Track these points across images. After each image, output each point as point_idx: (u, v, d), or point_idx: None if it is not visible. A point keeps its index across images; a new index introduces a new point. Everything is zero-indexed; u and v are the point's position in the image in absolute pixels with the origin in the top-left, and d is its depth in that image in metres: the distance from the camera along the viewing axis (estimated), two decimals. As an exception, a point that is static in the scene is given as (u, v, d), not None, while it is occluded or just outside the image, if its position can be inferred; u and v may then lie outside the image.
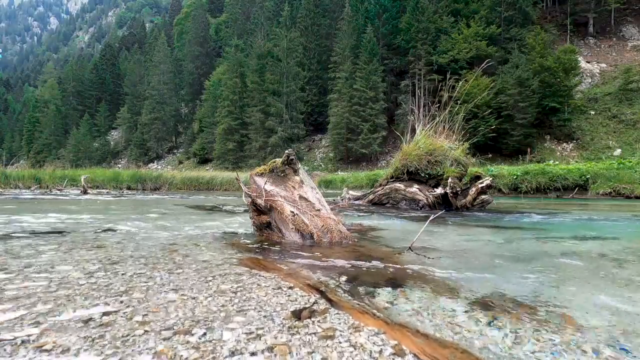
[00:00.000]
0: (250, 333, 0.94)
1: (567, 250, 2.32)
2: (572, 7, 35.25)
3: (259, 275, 1.52)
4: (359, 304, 1.19)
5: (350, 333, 0.95)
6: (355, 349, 0.87)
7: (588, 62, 32.39)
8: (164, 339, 0.89)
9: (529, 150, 26.09)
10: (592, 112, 28.28)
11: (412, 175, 5.70)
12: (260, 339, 0.90)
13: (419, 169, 5.54)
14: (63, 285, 1.32)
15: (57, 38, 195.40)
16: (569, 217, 4.66)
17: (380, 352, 0.86)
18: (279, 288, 1.34)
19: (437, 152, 5.50)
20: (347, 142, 33.41)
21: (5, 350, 0.82)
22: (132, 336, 0.90)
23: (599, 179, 11.85)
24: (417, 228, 2.79)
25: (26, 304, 1.11)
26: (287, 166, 2.69)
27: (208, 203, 7.05)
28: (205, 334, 0.92)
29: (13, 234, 2.62)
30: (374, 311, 1.13)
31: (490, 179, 5.56)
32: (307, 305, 1.15)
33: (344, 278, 1.50)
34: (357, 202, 6.41)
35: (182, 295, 1.23)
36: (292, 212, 2.41)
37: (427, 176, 5.54)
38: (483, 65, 6.38)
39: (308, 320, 1.04)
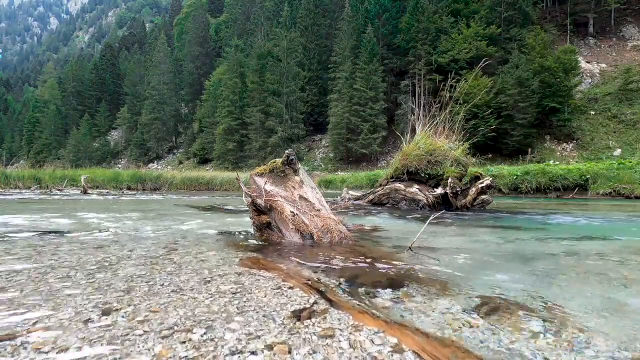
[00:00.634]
0: (250, 333, 0.94)
1: (567, 250, 2.32)
2: (572, 7, 35.26)
3: (259, 275, 1.52)
4: (359, 304, 1.19)
5: (350, 333, 0.95)
6: (355, 348, 0.87)
7: (588, 62, 32.40)
8: (164, 339, 0.89)
9: (529, 150, 26.10)
10: (592, 112, 28.28)
11: (412, 176, 5.70)
12: (260, 339, 0.90)
13: (419, 169, 5.54)
14: (63, 285, 1.32)
15: (57, 38, 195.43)
16: (569, 217, 4.66)
17: (380, 351, 0.86)
18: (279, 288, 1.34)
19: (437, 152, 5.50)
20: (347, 142, 33.42)
21: (5, 350, 0.82)
22: (132, 336, 0.90)
23: (599, 179, 11.85)
24: (417, 228, 2.80)
25: (27, 304, 1.11)
26: (287, 166, 2.69)
27: (208, 203, 7.05)
28: (205, 333, 0.93)
29: (13, 234, 2.62)
30: (374, 311, 1.13)
31: (490, 179, 5.56)
32: (307, 306, 1.15)
33: (343, 278, 1.50)
34: (357, 202, 6.41)
35: (182, 295, 1.23)
36: (292, 212, 2.41)
37: (427, 176, 5.54)
38: (481, 64, 6.37)
39: (308, 320, 1.04)
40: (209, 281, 1.41)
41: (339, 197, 6.98)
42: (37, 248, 2.08)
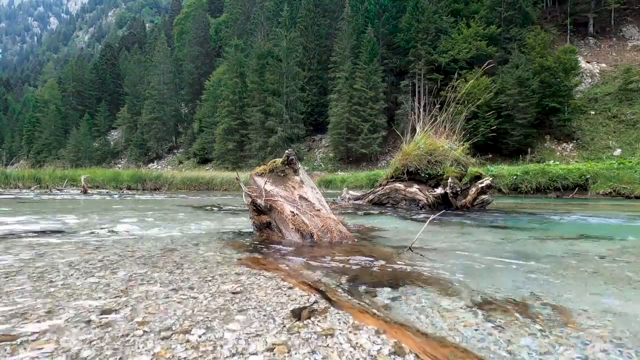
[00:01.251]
0: (250, 333, 0.93)
1: (567, 250, 2.32)
2: (572, 7, 35.25)
3: (259, 275, 1.52)
4: (359, 304, 1.19)
5: (350, 332, 0.95)
6: (355, 348, 0.87)
7: (588, 62, 32.40)
8: (163, 339, 0.89)
9: (529, 150, 26.10)
10: (592, 112, 28.28)
11: (412, 175, 5.70)
12: (260, 339, 0.90)
13: (419, 169, 5.54)
14: (64, 285, 1.32)
15: (57, 38, 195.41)
16: (568, 217, 4.65)
17: (380, 351, 0.86)
18: (279, 288, 1.34)
19: (437, 152, 5.50)
20: (347, 142, 33.42)
21: (4, 350, 0.82)
22: (132, 336, 0.90)
23: (599, 179, 11.85)
24: (417, 228, 2.79)
25: (27, 303, 1.11)
26: (287, 166, 2.69)
27: (208, 203, 7.05)
28: (205, 333, 0.92)
29: (11, 234, 2.62)
30: (374, 310, 1.13)
31: (490, 179, 5.55)
32: (307, 305, 1.15)
33: (344, 278, 1.50)
34: (357, 202, 6.41)
35: (182, 295, 1.23)
36: (292, 212, 2.41)
37: (427, 176, 5.54)
38: (484, 66, 6.36)
39: (308, 319, 1.03)
40: (209, 281, 1.41)
41: (339, 197, 6.98)
42: (38, 248, 2.07)
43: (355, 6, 38.63)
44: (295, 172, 2.70)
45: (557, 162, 18.86)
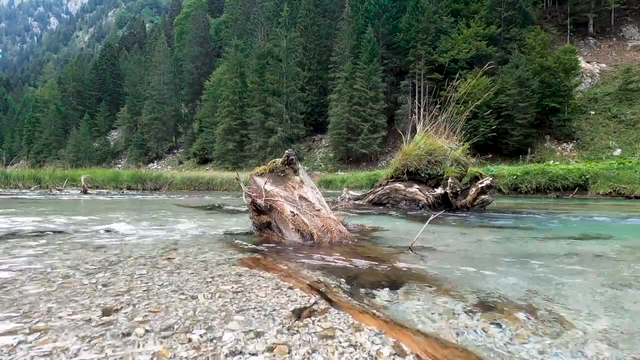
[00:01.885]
0: (251, 333, 0.94)
1: (567, 250, 2.32)
2: (572, 7, 35.23)
3: (259, 275, 1.52)
4: (359, 304, 1.19)
5: (350, 333, 0.95)
6: (355, 348, 0.87)
7: (588, 62, 32.38)
8: (164, 338, 0.89)
9: (529, 150, 26.09)
10: (592, 112, 28.27)
11: (412, 176, 5.70)
12: (260, 339, 0.90)
13: (419, 169, 5.54)
14: (64, 285, 1.32)
15: (57, 38, 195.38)
16: (569, 217, 4.66)
17: (380, 351, 0.86)
18: (279, 288, 1.34)
19: (437, 152, 5.50)
20: (347, 142, 33.41)
21: (2, 350, 0.82)
22: (133, 336, 0.90)
23: (599, 179, 11.85)
24: (417, 228, 2.80)
25: (28, 304, 1.11)
26: (287, 166, 2.69)
27: (208, 203, 7.05)
28: (205, 333, 0.92)
29: (11, 234, 2.62)
30: (374, 311, 1.13)
31: (490, 179, 5.55)
32: (307, 305, 1.15)
33: (343, 278, 1.50)
34: (357, 202, 6.41)
35: (182, 295, 1.23)
36: (292, 212, 2.41)
37: (427, 176, 5.54)
38: (485, 67, 6.36)
39: (308, 320, 1.04)
40: (209, 281, 1.41)
41: (339, 197, 6.98)
42: (38, 249, 2.08)
43: (355, 6, 38.61)
44: (295, 172, 2.70)
45: (557, 162, 18.87)
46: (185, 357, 0.81)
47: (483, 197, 5.64)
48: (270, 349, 0.85)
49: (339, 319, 1.05)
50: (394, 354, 0.85)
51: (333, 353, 0.85)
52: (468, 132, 6.14)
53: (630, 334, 0.99)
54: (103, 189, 14.23)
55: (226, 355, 0.82)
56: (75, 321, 0.99)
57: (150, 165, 47.59)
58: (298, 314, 1.08)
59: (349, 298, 1.25)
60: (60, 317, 1.01)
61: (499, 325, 1.04)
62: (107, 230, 2.90)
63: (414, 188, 5.58)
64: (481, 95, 14.15)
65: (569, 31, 35.02)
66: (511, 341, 0.94)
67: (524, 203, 8.23)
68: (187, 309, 1.09)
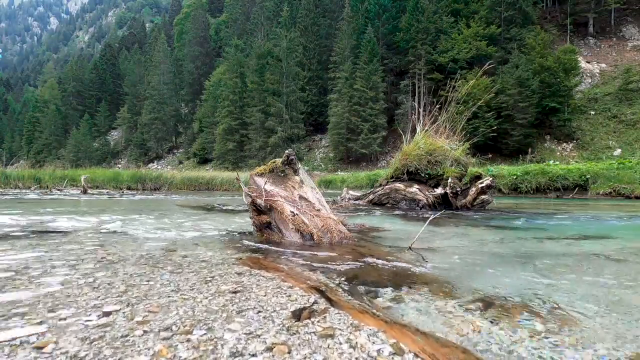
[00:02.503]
0: (250, 333, 0.94)
1: (567, 250, 2.32)
2: (572, 7, 35.24)
3: (259, 275, 1.52)
4: (359, 304, 1.19)
5: (350, 333, 0.95)
6: (355, 348, 0.87)
7: (588, 62, 32.39)
8: (164, 339, 0.89)
9: (529, 150, 26.10)
10: (592, 112, 28.28)
11: (412, 176, 5.70)
12: (260, 339, 0.90)
13: (419, 169, 5.54)
14: (64, 285, 1.32)
15: (57, 38, 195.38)
16: (568, 217, 4.66)
17: (380, 351, 0.86)
18: (279, 288, 1.34)
19: (437, 152, 5.51)
20: (347, 142, 33.42)
21: (3, 351, 0.82)
22: (132, 336, 0.90)
23: (599, 179, 11.85)
24: (417, 228, 2.80)
25: (27, 303, 1.11)
26: (287, 166, 2.69)
27: (208, 203, 7.05)
28: (205, 333, 0.92)
29: (12, 234, 2.62)
30: (374, 311, 1.13)
31: (491, 179, 5.55)
32: (307, 305, 1.15)
33: (343, 278, 1.50)
34: (357, 202, 6.41)
35: (182, 295, 1.23)
36: (292, 212, 2.41)
37: (427, 176, 5.54)
38: (485, 66, 6.36)
39: (308, 320, 1.04)
40: (209, 281, 1.41)
41: (339, 197, 6.98)
42: (38, 249, 2.07)
43: (355, 6, 38.62)
44: (295, 172, 2.70)
45: (557, 162, 18.85)
46: (186, 357, 0.81)
47: (483, 197, 5.64)
48: (270, 349, 0.85)
49: (339, 318, 1.05)
50: (394, 354, 0.85)
51: (333, 353, 0.85)
52: (468, 132, 6.15)
53: (633, 334, 0.99)
54: (103, 189, 14.23)
55: (226, 356, 0.82)
56: (74, 321, 0.98)
57: (150, 165, 47.59)
58: (298, 313, 1.08)
59: (349, 298, 1.25)
60: (59, 316, 1.01)
61: (499, 324, 1.04)
62: (107, 230, 2.90)
63: (414, 188, 5.58)
64: (481, 95, 14.17)
65: (569, 31, 35.02)
66: (511, 341, 0.94)
67: (524, 203, 8.23)
68: (188, 309, 1.09)
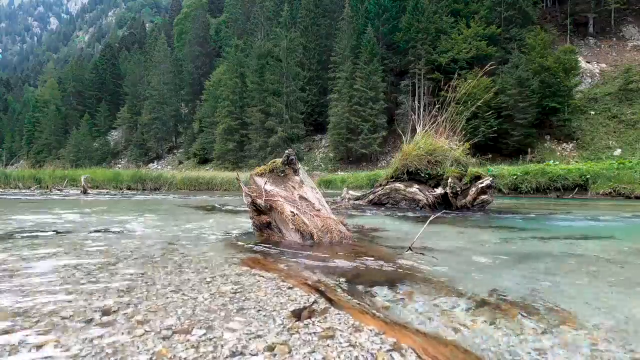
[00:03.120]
0: (251, 333, 0.94)
1: (567, 250, 2.32)
2: (572, 7, 35.25)
3: (259, 275, 1.52)
4: (359, 304, 1.19)
5: (350, 333, 0.95)
6: (355, 348, 0.87)
7: (588, 62, 32.39)
8: (164, 339, 0.89)
9: (529, 150, 26.10)
10: (592, 112, 28.28)
11: (412, 176, 5.70)
12: (260, 339, 0.90)
13: (419, 169, 5.54)
14: (64, 285, 1.32)
15: (57, 38, 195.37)
16: (568, 217, 4.66)
17: (380, 351, 0.86)
18: (279, 288, 1.34)
19: (437, 152, 5.50)
20: (347, 142, 33.41)
21: (4, 350, 0.82)
22: (132, 336, 0.90)
23: (599, 179, 11.84)
24: (417, 228, 2.80)
25: (28, 303, 1.11)
26: (287, 166, 2.69)
27: (208, 203, 7.05)
28: (205, 333, 0.92)
29: (12, 234, 2.62)
30: (374, 311, 1.13)
31: (491, 179, 5.55)
32: (307, 305, 1.15)
33: (343, 278, 1.50)
34: (357, 202, 6.41)
35: (182, 295, 1.23)
36: (292, 212, 2.41)
37: (427, 176, 5.54)
38: (486, 67, 6.35)
39: (308, 320, 1.04)
40: (209, 281, 1.41)
41: (339, 197, 6.98)
42: (39, 249, 2.07)
43: (355, 6, 38.62)
44: (295, 172, 2.70)
45: (557, 162, 18.85)
46: (186, 357, 0.81)
47: (483, 197, 5.63)
48: (271, 349, 0.85)
49: (339, 319, 1.05)
50: (394, 355, 0.85)
51: (333, 353, 0.85)
52: (468, 132, 6.14)
53: (634, 335, 0.99)
54: (103, 189, 14.23)
55: (226, 356, 0.82)
56: (75, 320, 0.98)
57: (150, 165, 47.59)
58: (298, 313, 1.08)
59: (349, 298, 1.25)
60: (60, 316, 1.01)
61: (498, 324, 1.04)
62: (107, 230, 2.90)
63: (414, 188, 5.58)
64: (481, 95, 14.15)
65: (569, 31, 35.03)
66: (511, 340, 0.94)
67: (524, 203, 8.23)
68: (188, 309, 1.09)
